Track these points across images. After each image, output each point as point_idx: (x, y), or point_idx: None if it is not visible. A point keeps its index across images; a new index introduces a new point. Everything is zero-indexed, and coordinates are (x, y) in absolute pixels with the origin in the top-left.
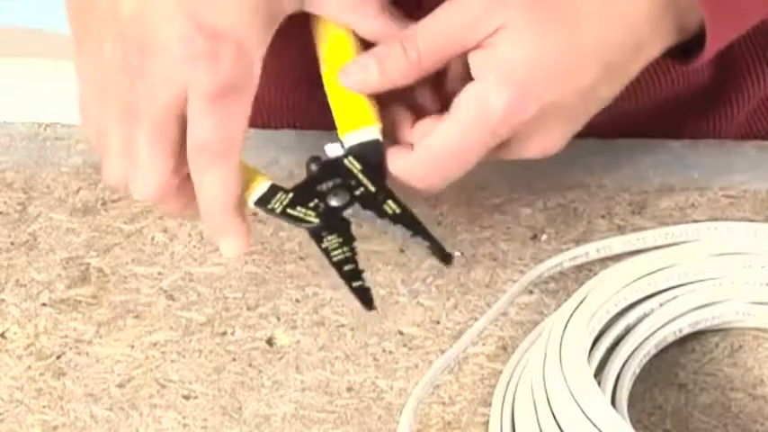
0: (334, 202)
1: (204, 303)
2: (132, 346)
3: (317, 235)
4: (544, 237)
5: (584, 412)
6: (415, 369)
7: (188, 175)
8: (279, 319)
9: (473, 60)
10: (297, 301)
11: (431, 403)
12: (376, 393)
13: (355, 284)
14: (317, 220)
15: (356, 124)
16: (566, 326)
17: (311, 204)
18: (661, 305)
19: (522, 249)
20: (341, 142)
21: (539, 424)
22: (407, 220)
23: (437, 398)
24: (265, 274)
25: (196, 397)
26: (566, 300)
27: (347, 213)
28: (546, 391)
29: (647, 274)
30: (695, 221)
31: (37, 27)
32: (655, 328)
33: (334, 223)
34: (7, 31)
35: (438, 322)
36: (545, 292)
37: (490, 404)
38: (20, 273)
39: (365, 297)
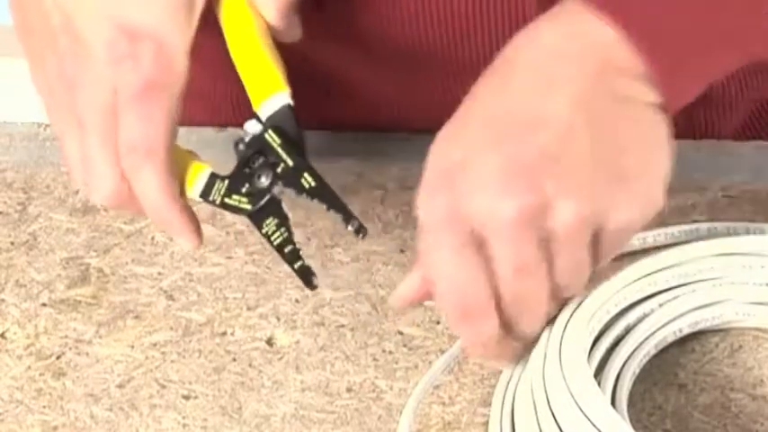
0: (262, 183)
1: (204, 303)
2: (132, 347)
3: (256, 221)
4: None
5: (583, 412)
6: (414, 369)
7: None
8: (279, 319)
9: None
10: (297, 301)
11: (431, 403)
12: (376, 394)
13: (297, 265)
14: (249, 207)
15: (266, 93)
16: (566, 326)
17: (244, 190)
18: (661, 305)
19: None
20: (257, 117)
21: (538, 424)
22: (324, 194)
23: (437, 398)
24: (265, 275)
25: (196, 397)
26: None
27: (276, 191)
28: (546, 391)
29: (648, 275)
30: (695, 221)
31: None
32: (655, 329)
33: (267, 205)
34: (7, 30)
35: (438, 322)
36: None
37: (490, 404)
38: (20, 273)
39: (307, 277)
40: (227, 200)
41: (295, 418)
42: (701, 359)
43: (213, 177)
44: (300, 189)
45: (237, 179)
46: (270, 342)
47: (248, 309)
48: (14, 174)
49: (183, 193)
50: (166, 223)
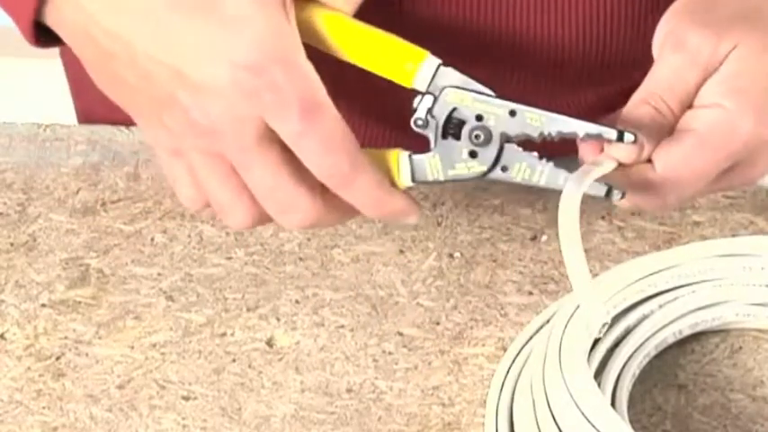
0: (480, 141)
1: (204, 304)
2: (132, 347)
3: (498, 176)
4: (544, 238)
5: (583, 413)
6: (414, 370)
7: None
8: (278, 320)
9: (708, 85)
10: (296, 302)
11: (431, 404)
12: (375, 394)
13: (592, 193)
14: (484, 167)
15: (412, 67)
16: (566, 326)
17: (464, 156)
18: (661, 306)
19: (522, 250)
20: (417, 92)
21: (537, 425)
22: (565, 120)
23: (437, 399)
24: (265, 275)
25: (196, 398)
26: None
27: (500, 141)
28: (546, 392)
29: (648, 275)
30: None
31: None
32: (655, 330)
33: (501, 156)
34: (7, 31)
35: (438, 323)
36: (545, 293)
37: None
38: (19, 273)
39: (609, 195)
40: (451, 171)
41: (295, 418)
42: (701, 360)
43: (414, 158)
44: (533, 129)
45: (446, 150)
46: (270, 343)
47: (248, 310)
48: (14, 174)
49: (393, 184)
50: (391, 217)
